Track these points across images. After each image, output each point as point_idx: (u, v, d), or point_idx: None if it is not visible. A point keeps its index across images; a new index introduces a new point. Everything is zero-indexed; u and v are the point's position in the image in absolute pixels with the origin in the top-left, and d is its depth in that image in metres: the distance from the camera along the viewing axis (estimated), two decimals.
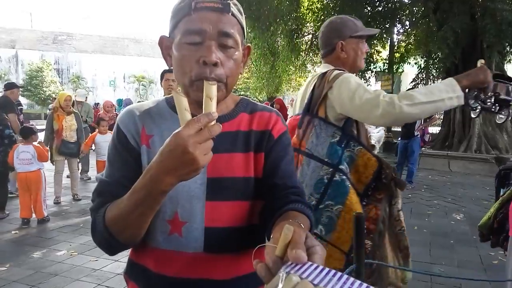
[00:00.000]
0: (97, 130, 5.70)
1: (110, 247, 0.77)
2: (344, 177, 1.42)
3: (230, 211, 0.82)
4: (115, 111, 8.11)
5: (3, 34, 36.48)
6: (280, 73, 14.24)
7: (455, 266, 3.33)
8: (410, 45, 12.07)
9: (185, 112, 0.63)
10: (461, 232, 4.22)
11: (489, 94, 1.43)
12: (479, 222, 1.98)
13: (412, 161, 6.54)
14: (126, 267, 0.91)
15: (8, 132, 4.61)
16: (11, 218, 4.49)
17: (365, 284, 0.41)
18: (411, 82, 11.77)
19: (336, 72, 1.48)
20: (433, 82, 11.38)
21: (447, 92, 1.30)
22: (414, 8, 10.49)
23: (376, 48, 11.76)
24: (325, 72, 1.53)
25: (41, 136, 4.94)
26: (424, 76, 11.51)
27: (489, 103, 1.44)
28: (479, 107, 1.46)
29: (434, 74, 11.11)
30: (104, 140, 5.30)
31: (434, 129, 12.16)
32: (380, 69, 12.04)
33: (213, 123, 0.62)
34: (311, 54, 13.43)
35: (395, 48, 11.96)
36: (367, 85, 1.47)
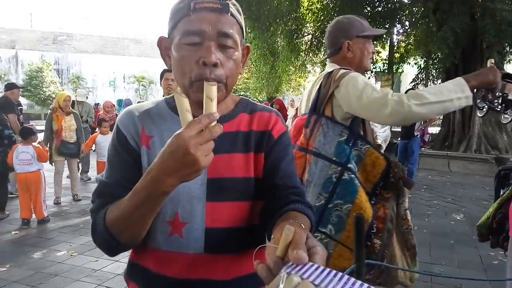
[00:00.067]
0: (97, 130, 5.70)
1: (111, 248, 0.77)
2: (352, 175, 1.41)
3: (231, 211, 0.82)
4: (115, 112, 8.11)
5: (3, 34, 36.47)
6: (280, 74, 14.24)
7: (455, 266, 3.33)
8: (410, 45, 12.07)
9: (186, 113, 0.63)
10: (461, 232, 4.22)
11: (497, 94, 1.42)
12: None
13: (412, 161, 6.54)
14: (126, 268, 0.91)
15: (7, 133, 4.61)
16: (11, 219, 4.49)
17: (366, 285, 0.42)
18: (411, 82, 11.78)
19: (343, 71, 1.48)
20: (433, 82, 11.40)
21: (456, 92, 1.29)
22: (414, 9, 10.49)
23: (375, 48, 11.76)
24: (331, 71, 1.53)
25: (40, 136, 4.94)
26: (424, 76, 11.52)
27: (496, 103, 1.44)
28: (486, 107, 1.46)
29: (434, 74, 11.12)
30: (106, 140, 5.29)
31: (434, 129, 12.16)
32: (380, 69, 12.04)
33: (214, 124, 0.62)
34: (311, 55, 13.44)
35: (395, 48, 11.97)
36: None
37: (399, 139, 6.89)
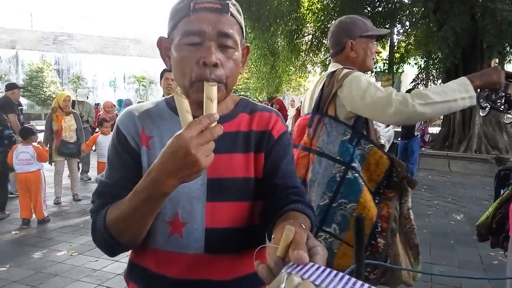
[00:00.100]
0: (97, 130, 5.69)
1: (111, 248, 0.77)
2: (356, 175, 1.41)
3: (231, 211, 0.82)
4: (115, 112, 8.12)
5: (4, 34, 36.49)
6: (280, 74, 14.24)
7: (455, 266, 3.33)
8: (410, 45, 12.08)
9: (186, 113, 0.63)
10: (461, 232, 4.22)
11: (500, 94, 1.42)
12: None
13: (412, 161, 6.54)
14: (126, 268, 0.91)
15: (8, 133, 4.61)
16: (11, 219, 4.49)
17: (366, 284, 0.42)
18: (411, 82, 11.78)
19: (346, 70, 1.48)
20: (434, 83, 11.38)
21: (460, 92, 1.29)
22: (414, 9, 10.49)
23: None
24: (334, 71, 1.53)
25: (40, 136, 4.94)
26: (424, 76, 11.51)
27: (499, 104, 1.44)
28: (488, 107, 1.46)
29: (434, 74, 11.12)
30: (107, 140, 5.28)
31: (434, 129, 12.16)
32: (380, 69, 12.04)
33: (214, 124, 0.62)
34: (311, 55, 13.44)
35: (395, 48, 11.97)
36: None
37: (399, 139, 6.89)
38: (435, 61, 9.63)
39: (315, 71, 16.35)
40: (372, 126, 1.54)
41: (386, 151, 1.48)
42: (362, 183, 1.41)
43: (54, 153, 5.07)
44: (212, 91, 0.66)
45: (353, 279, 0.43)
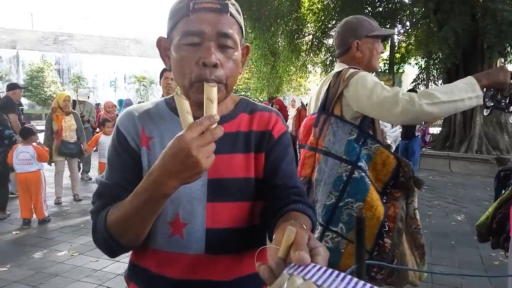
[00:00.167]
0: (99, 130, 5.69)
1: (111, 249, 0.77)
2: (363, 174, 1.41)
3: (231, 212, 0.81)
4: (116, 112, 8.11)
5: (4, 34, 36.54)
6: (280, 74, 14.25)
7: (456, 266, 3.32)
8: (410, 46, 12.08)
9: (187, 114, 0.63)
10: (462, 233, 4.22)
11: (506, 94, 1.41)
12: None
13: (412, 161, 6.52)
14: (127, 269, 0.91)
15: (8, 133, 4.61)
16: (12, 219, 4.50)
17: (368, 284, 0.42)
18: (412, 82, 11.78)
19: (352, 70, 1.48)
20: (434, 83, 11.38)
21: (467, 92, 1.28)
22: (415, 9, 10.50)
23: None
24: (340, 71, 1.53)
25: (41, 136, 4.94)
26: (424, 76, 11.51)
27: (503, 104, 1.43)
28: (491, 106, 1.45)
29: (435, 74, 11.12)
30: (109, 141, 5.27)
31: (434, 130, 12.16)
32: (381, 69, 12.04)
33: (214, 125, 0.62)
34: (311, 55, 13.44)
35: (396, 48, 11.97)
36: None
37: (399, 139, 6.89)
38: (436, 61, 9.64)
39: (315, 71, 16.36)
40: (379, 126, 1.53)
41: (392, 151, 1.48)
42: (369, 182, 1.41)
43: (54, 153, 5.07)
44: (212, 91, 0.65)
45: (355, 279, 0.42)
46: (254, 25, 12.05)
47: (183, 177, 0.63)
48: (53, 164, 5.15)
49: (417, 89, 10.10)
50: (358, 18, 1.63)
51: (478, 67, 9.00)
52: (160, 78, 3.23)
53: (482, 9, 8.39)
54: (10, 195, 4.91)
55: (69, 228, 4.21)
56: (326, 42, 12.60)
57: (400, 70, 12.90)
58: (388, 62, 11.76)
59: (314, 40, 12.62)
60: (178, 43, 0.76)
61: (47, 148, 4.73)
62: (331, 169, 1.45)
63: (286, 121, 7.36)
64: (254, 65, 14.57)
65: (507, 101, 1.43)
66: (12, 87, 5.45)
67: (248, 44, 0.89)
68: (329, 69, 11.56)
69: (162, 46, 0.84)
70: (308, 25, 13.07)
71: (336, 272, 0.44)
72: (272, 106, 7.66)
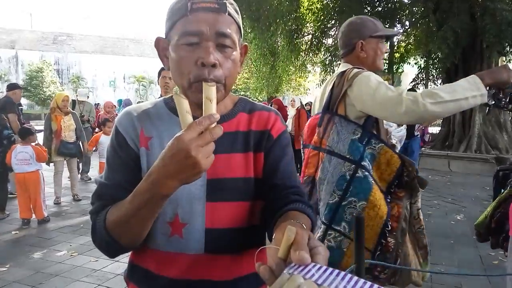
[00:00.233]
0: (98, 130, 5.68)
1: (111, 250, 0.77)
2: (367, 173, 1.41)
3: (231, 211, 0.81)
4: (115, 112, 8.11)
5: (3, 34, 36.49)
6: (280, 73, 14.25)
7: (455, 266, 3.33)
8: (410, 45, 12.08)
9: (187, 114, 0.63)
10: (461, 232, 4.22)
11: (507, 93, 1.41)
12: None
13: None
14: (126, 269, 0.91)
15: (7, 133, 4.61)
16: (11, 219, 4.49)
17: (369, 282, 0.42)
18: (411, 82, 11.78)
19: (356, 70, 1.49)
20: (433, 83, 11.38)
21: (471, 90, 1.28)
22: (414, 8, 10.50)
23: None
24: (344, 71, 1.53)
25: (40, 136, 4.93)
26: (424, 76, 11.52)
27: (503, 102, 1.44)
28: (492, 104, 1.46)
29: (434, 74, 11.12)
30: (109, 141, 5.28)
31: (434, 129, 12.17)
32: None
33: (214, 125, 0.62)
34: (311, 54, 13.44)
35: (395, 48, 11.97)
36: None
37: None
38: (435, 60, 9.64)
39: (315, 71, 16.37)
40: (383, 126, 1.53)
41: (397, 151, 1.48)
42: (372, 181, 1.41)
43: (53, 153, 5.06)
44: (211, 91, 0.65)
45: (355, 278, 0.43)
46: (254, 25, 12.05)
47: (183, 178, 0.63)
48: (52, 164, 5.14)
49: (417, 89, 10.12)
50: (362, 19, 1.64)
51: (478, 66, 9.00)
52: (158, 77, 3.22)
53: (481, 9, 8.40)
54: (9, 195, 4.92)
55: (68, 228, 4.21)
56: (326, 41, 12.60)
57: (400, 70, 12.89)
58: (387, 61, 11.76)
59: (313, 39, 12.61)
60: (176, 43, 0.76)
61: (46, 148, 4.73)
62: (335, 168, 1.45)
63: (286, 121, 7.36)
64: (253, 65, 14.58)
65: (507, 100, 1.43)
66: (12, 87, 5.45)
67: (246, 43, 0.88)
68: (329, 68, 11.57)
69: (161, 46, 0.84)
70: (308, 24, 13.07)
71: (337, 271, 0.44)
72: (271, 106, 7.65)
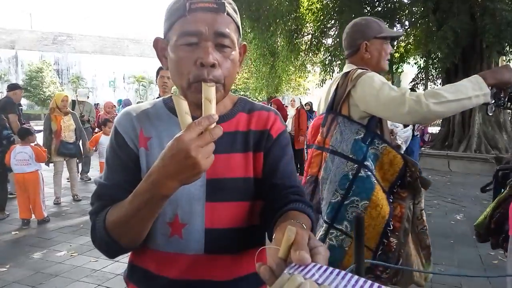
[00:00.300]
0: (98, 130, 5.68)
1: (111, 250, 0.77)
2: (369, 173, 1.41)
3: (230, 212, 0.81)
4: (115, 112, 8.11)
5: (3, 34, 36.48)
6: (279, 73, 14.26)
7: (455, 266, 3.33)
8: (409, 45, 12.09)
9: (186, 115, 0.63)
10: (461, 232, 4.22)
11: (508, 93, 1.42)
12: None
13: None
14: (126, 270, 0.91)
15: (6, 133, 4.60)
16: (11, 219, 4.49)
17: (369, 281, 0.42)
18: (411, 82, 11.79)
19: (360, 71, 1.49)
20: (433, 83, 11.39)
21: (474, 90, 1.29)
22: (414, 8, 10.50)
23: None
24: (348, 71, 1.54)
25: (39, 137, 4.93)
26: (423, 76, 11.52)
27: (502, 101, 1.44)
28: (494, 104, 1.46)
29: (434, 74, 11.13)
30: None
31: (433, 129, 12.17)
32: None
33: (213, 125, 0.62)
34: (310, 54, 13.45)
35: (395, 48, 11.97)
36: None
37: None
38: (435, 60, 9.64)
39: (314, 71, 16.37)
40: (386, 126, 1.54)
41: (402, 151, 1.48)
42: (375, 181, 1.42)
43: (53, 154, 5.06)
44: (210, 91, 0.65)
45: (356, 277, 0.43)
46: (253, 25, 12.05)
47: (182, 178, 0.63)
48: (51, 164, 5.14)
49: (416, 89, 10.12)
50: (367, 20, 1.65)
51: (477, 66, 9.01)
52: (156, 77, 3.22)
53: (481, 9, 8.40)
54: (9, 196, 4.91)
55: (68, 228, 4.21)
56: (325, 41, 12.61)
57: (399, 70, 12.90)
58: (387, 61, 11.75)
59: (313, 39, 12.62)
60: (175, 43, 0.76)
61: (46, 149, 4.73)
62: (338, 168, 1.45)
63: (285, 121, 7.36)
64: (253, 64, 14.58)
65: (506, 99, 1.43)
66: (13, 87, 5.45)
67: (245, 43, 0.88)
68: (328, 68, 11.57)
69: (159, 46, 0.83)
70: (307, 24, 13.08)
71: (337, 270, 0.44)
72: (270, 106, 7.60)
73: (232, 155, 0.83)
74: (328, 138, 1.52)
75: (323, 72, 12.06)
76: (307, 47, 13.05)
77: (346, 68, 1.62)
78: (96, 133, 6.53)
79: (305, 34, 13.36)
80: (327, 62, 11.77)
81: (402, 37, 12.16)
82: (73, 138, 5.20)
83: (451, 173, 8.49)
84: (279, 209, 0.76)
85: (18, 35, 37.26)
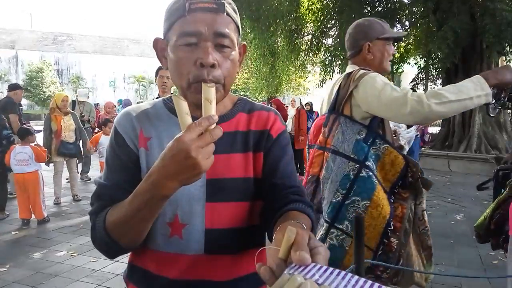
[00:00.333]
0: (98, 130, 5.68)
1: (110, 250, 0.77)
2: (370, 173, 1.42)
3: (230, 212, 0.81)
4: (116, 112, 8.11)
5: (3, 34, 36.49)
6: (280, 74, 14.27)
7: (455, 266, 3.33)
8: (410, 45, 12.08)
9: (186, 116, 0.63)
10: (461, 232, 4.22)
11: (508, 93, 1.42)
12: None
13: None
14: (126, 270, 0.91)
15: (6, 133, 4.60)
16: (11, 219, 4.49)
17: (369, 281, 0.42)
18: (411, 82, 11.80)
19: (362, 71, 1.50)
20: (433, 83, 11.39)
21: (476, 90, 1.29)
22: (414, 8, 10.50)
23: None
24: (351, 72, 1.55)
25: (39, 137, 4.93)
26: (424, 76, 11.52)
27: (501, 101, 1.44)
28: (497, 105, 1.46)
29: (434, 74, 11.13)
30: None
31: (434, 129, 12.17)
32: None
33: (213, 126, 0.62)
34: (310, 55, 13.45)
35: (395, 48, 11.96)
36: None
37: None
38: (435, 61, 9.64)
39: (314, 71, 16.37)
40: (388, 126, 1.54)
41: (405, 152, 1.48)
42: (376, 181, 1.42)
43: (53, 154, 5.06)
44: (210, 92, 0.65)
45: (356, 277, 0.43)
46: (253, 25, 12.05)
47: (183, 179, 0.63)
48: (51, 164, 5.14)
49: (416, 89, 10.12)
50: (370, 21, 1.65)
51: (477, 66, 9.01)
52: (156, 77, 3.22)
53: (481, 9, 8.40)
54: (9, 196, 4.91)
55: (68, 228, 4.21)
56: (325, 42, 12.61)
57: (399, 70, 12.90)
58: None
59: (313, 40, 12.62)
60: (175, 44, 0.76)
61: (46, 149, 4.72)
62: (339, 168, 1.46)
63: (285, 121, 7.36)
64: (253, 65, 14.59)
65: (506, 100, 1.44)
66: (13, 87, 5.46)
67: (245, 43, 0.88)
68: (328, 68, 11.58)
69: (159, 47, 0.83)
70: (307, 25, 13.08)
71: (337, 270, 0.44)
72: (269, 106, 7.59)
73: (232, 155, 0.83)
74: (330, 138, 1.52)
75: (323, 72, 12.07)
76: (307, 47, 13.06)
77: (349, 69, 1.62)
78: (96, 133, 6.54)
79: (305, 34, 13.37)
80: (327, 62, 11.77)
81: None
82: (73, 138, 5.20)
83: (451, 173, 8.49)
84: (279, 209, 0.76)
85: (18, 35, 37.27)
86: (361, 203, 1.40)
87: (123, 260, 3.11)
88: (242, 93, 25.50)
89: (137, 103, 0.98)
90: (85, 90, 8.21)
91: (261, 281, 0.48)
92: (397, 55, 12.09)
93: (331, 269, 0.44)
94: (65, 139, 5.10)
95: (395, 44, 1.73)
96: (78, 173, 6.11)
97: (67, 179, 5.86)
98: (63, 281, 2.91)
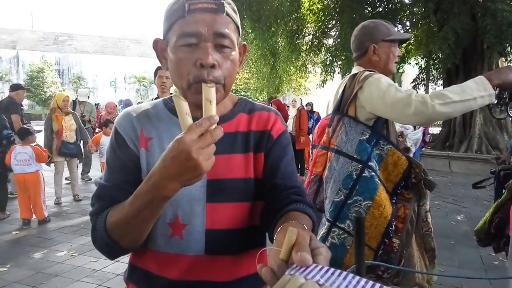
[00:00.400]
0: (98, 130, 5.69)
1: (111, 251, 0.77)
2: (373, 173, 1.43)
3: (231, 212, 0.81)
4: (117, 112, 8.11)
5: (4, 34, 36.56)
6: (280, 74, 14.26)
7: (455, 266, 3.33)
8: (410, 46, 12.07)
9: (186, 116, 0.63)
10: (462, 233, 4.22)
11: (509, 93, 1.42)
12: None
13: None
14: (126, 270, 0.91)
15: (6, 133, 4.60)
16: (11, 219, 4.50)
17: (371, 282, 0.42)
18: (412, 82, 11.78)
19: (367, 73, 1.51)
20: (434, 83, 11.38)
21: (479, 91, 1.30)
22: (415, 9, 10.50)
23: None
24: (356, 73, 1.56)
25: (40, 137, 4.94)
26: (424, 76, 11.51)
27: (502, 101, 1.44)
28: (498, 106, 1.46)
29: (435, 74, 11.12)
30: None
31: (434, 130, 12.16)
32: None
33: (214, 126, 0.62)
34: (311, 55, 13.45)
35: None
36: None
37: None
38: (436, 61, 9.65)
39: (315, 71, 16.37)
40: (393, 127, 1.55)
41: (411, 154, 1.48)
42: (378, 182, 1.43)
43: (54, 154, 5.07)
44: (210, 92, 0.65)
45: (357, 277, 0.43)
46: (254, 25, 12.05)
47: (183, 180, 0.62)
48: (52, 164, 5.14)
49: (417, 90, 10.10)
50: (375, 22, 1.65)
51: (478, 67, 9.01)
52: (155, 77, 3.21)
53: (482, 9, 8.40)
54: (9, 195, 4.92)
55: (69, 228, 4.21)
56: (326, 42, 12.61)
57: (400, 70, 12.89)
58: None
59: (314, 40, 12.62)
60: (174, 44, 0.76)
61: (47, 149, 4.73)
62: (342, 167, 1.47)
63: (286, 121, 7.35)
64: (254, 65, 14.59)
65: (507, 100, 1.44)
66: (15, 88, 5.47)
67: (245, 43, 0.88)
68: (329, 69, 11.58)
69: (159, 47, 0.83)
70: (308, 25, 13.08)
71: (338, 271, 0.44)
72: (270, 106, 7.58)
73: (232, 155, 0.83)
74: (334, 138, 1.53)
75: (324, 73, 12.07)
76: (308, 47, 13.05)
77: (354, 70, 1.63)
78: (97, 133, 6.54)
79: (306, 34, 13.36)
80: (328, 63, 11.78)
81: None
82: (74, 138, 5.21)
83: (452, 173, 8.48)
84: (279, 209, 0.76)
85: (19, 35, 37.34)
86: (363, 203, 1.41)
87: (124, 260, 3.11)
88: (242, 93, 25.52)
89: (137, 103, 0.98)
90: (86, 90, 8.20)
91: (262, 281, 0.48)
92: None
93: (332, 269, 0.44)
94: (66, 139, 5.10)
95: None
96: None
97: (67, 179, 5.87)
98: (64, 281, 2.91)
